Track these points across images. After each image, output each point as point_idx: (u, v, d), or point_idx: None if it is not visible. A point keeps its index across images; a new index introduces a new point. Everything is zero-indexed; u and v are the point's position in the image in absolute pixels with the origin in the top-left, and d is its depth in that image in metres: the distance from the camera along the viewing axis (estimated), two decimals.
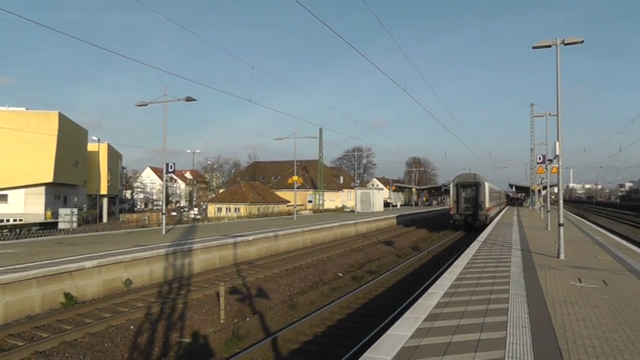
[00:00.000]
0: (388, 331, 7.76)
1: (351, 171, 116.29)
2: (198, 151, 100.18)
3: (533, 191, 65.91)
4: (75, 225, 51.80)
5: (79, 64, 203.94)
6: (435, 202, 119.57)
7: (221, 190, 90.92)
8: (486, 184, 42.17)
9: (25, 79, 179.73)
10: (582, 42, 16.99)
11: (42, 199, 53.38)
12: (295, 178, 46.85)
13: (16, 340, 11.38)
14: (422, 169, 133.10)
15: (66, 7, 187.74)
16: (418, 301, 10.04)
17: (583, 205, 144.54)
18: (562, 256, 16.62)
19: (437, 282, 12.33)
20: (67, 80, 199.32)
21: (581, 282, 12.27)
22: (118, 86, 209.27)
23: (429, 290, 11.21)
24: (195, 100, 26.31)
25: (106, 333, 12.07)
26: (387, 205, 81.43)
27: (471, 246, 20.48)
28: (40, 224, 45.32)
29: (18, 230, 38.85)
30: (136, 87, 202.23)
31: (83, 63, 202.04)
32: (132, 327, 12.53)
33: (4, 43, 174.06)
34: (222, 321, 13.12)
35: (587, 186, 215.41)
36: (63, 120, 54.82)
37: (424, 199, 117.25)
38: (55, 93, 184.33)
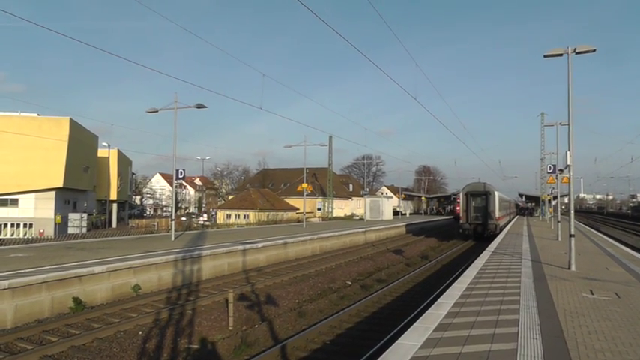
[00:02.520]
0: (398, 341, 7.70)
1: (361, 179, 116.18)
2: (207, 158, 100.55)
3: (543, 201, 65.56)
4: (84, 230, 52.14)
5: (91, 70, 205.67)
6: (443, 211, 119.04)
7: (230, 197, 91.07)
8: (496, 193, 41.96)
9: (37, 86, 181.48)
10: (594, 51, 16.89)
11: (52, 204, 53.65)
12: (305, 185, 46.85)
13: (26, 344, 11.42)
14: (431, 177, 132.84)
15: (77, 14, 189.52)
16: (428, 311, 9.98)
17: (594, 215, 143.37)
18: (573, 267, 16.47)
19: (447, 291, 12.24)
20: (79, 87, 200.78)
21: (592, 294, 12.14)
22: (129, 93, 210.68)
23: (439, 300, 11.14)
24: (205, 107, 26.41)
25: (114, 338, 12.09)
26: (396, 213, 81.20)
27: (481, 256, 20.33)
28: None
29: None
30: (147, 94, 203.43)
31: (94, 70, 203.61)
32: (140, 332, 12.54)
33: (16, 51, 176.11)
34: (230, 328, 13.09)
35: (598, 196, 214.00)
36: (74, 126, 55.21)
37: (433, 207, 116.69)
38: (67, 99, 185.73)
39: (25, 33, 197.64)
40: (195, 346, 11.79)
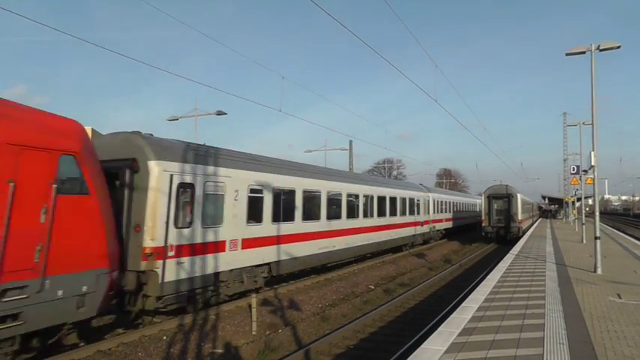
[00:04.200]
0: (422, 345, 7.67)
1: None
2: None
3: (566, 203, 64.67)
4: None
5: (112, 80, 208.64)
6: None
7: None
8: (519, 195, 41.53)
9: (61, 97, 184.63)
10: (619, 47, 16.68)
11: None
12: None
13: (52, 349, 11.54)
14: (452, 180, 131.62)
15: (99, 26, 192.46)
16: (452, 315, 9.92)
17: (619, 217, 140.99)
18: (599, 271, 16.24)
19: (470, 295, 12.16)
20: (100, 97, 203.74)
21: (620, 298, 11.96)
22: (150, 101, 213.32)
23: (463, 304, 11.07)
24: (225, 114, 26.71)
25: (139, 343, 12.14)
26: None
27: (504, 259, 20.17)
28: None
29: None
30: (168, 101, 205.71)
31: (116, 80, 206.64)
32: (165, 337, 12.60)
33: (40, 64, 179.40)
34: (254, 332, 13.13)
35: (624, 197, 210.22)
36: (96, 135, 55.99)
37: None
38: (89, 109, 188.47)
39: (48, 47, 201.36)
40: (220, 351, 11.85)
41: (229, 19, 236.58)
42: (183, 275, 13.14)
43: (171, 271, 12.76)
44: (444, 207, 42.46)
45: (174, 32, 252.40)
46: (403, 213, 31.09)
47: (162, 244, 12.49)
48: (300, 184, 18.77)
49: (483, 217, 42.38)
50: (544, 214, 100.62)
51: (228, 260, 14.91)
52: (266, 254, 16.73)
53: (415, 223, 33.59)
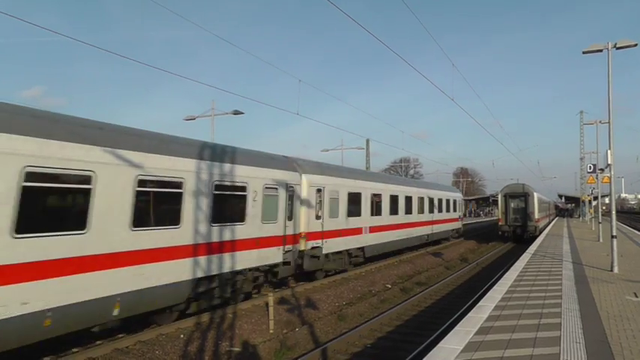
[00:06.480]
0: (439, 344, 7.73)
1: None
2: None
3: (583, 202, 64.15)
4: None
5: (128, 81, 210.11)
6: (481, 213, 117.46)
7: None
8: (535, 194, 41.30)
9: (77, 99, 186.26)
10: (635, 45, 16.55)
11: None
12: None
13: (70, 347, 11.71)
14: (469, 179, 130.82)
15: (114, 26, 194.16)
16: (469, 314, 9.96)
17: (636, 216, 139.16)
18: (616, 270, 16.17)
19: (487, 295, 12.18)
20: (116, 97, 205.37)
21: (637, 297, 11.92)
22: (166, 102, 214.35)
23: (480, 303, 11.10)
24: (242, 113, 26.74)
25: (156, 341, 12.22)
26: None
27: (521, 258, 20.11)
28: None
29: None
30: (184, 103, 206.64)
31: (132, 80, 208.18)
32: (182, 336, 12.71)
33: (56, 65, 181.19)
34: (271, 331, 13.24)
35: None
36: None
37: (472, 209, 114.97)
38: (105, 110, 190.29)
39: (63, 47, 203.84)
40: (237, 349, 11.97)
41: (245, 22, 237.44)
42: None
43: None
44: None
45: (190, 33, 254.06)
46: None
47: None
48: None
49: (500, 216, 42.27)
50: (561, 212, 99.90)
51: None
52: None
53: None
